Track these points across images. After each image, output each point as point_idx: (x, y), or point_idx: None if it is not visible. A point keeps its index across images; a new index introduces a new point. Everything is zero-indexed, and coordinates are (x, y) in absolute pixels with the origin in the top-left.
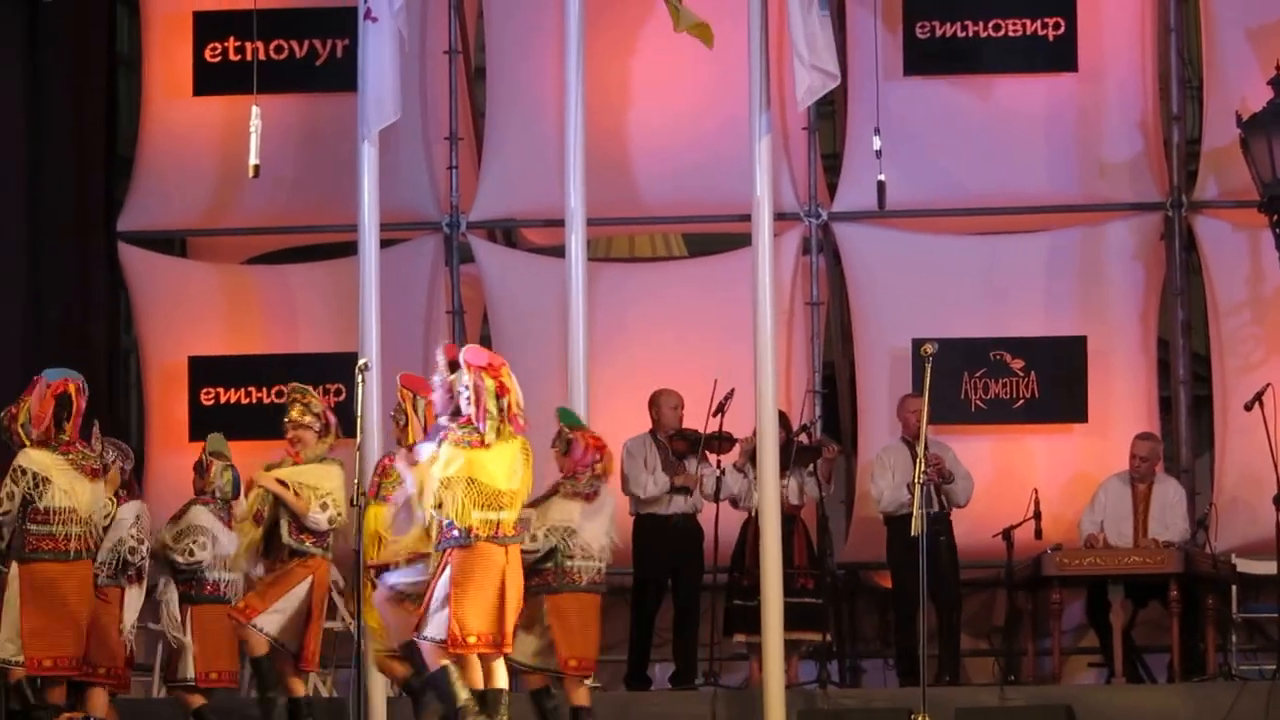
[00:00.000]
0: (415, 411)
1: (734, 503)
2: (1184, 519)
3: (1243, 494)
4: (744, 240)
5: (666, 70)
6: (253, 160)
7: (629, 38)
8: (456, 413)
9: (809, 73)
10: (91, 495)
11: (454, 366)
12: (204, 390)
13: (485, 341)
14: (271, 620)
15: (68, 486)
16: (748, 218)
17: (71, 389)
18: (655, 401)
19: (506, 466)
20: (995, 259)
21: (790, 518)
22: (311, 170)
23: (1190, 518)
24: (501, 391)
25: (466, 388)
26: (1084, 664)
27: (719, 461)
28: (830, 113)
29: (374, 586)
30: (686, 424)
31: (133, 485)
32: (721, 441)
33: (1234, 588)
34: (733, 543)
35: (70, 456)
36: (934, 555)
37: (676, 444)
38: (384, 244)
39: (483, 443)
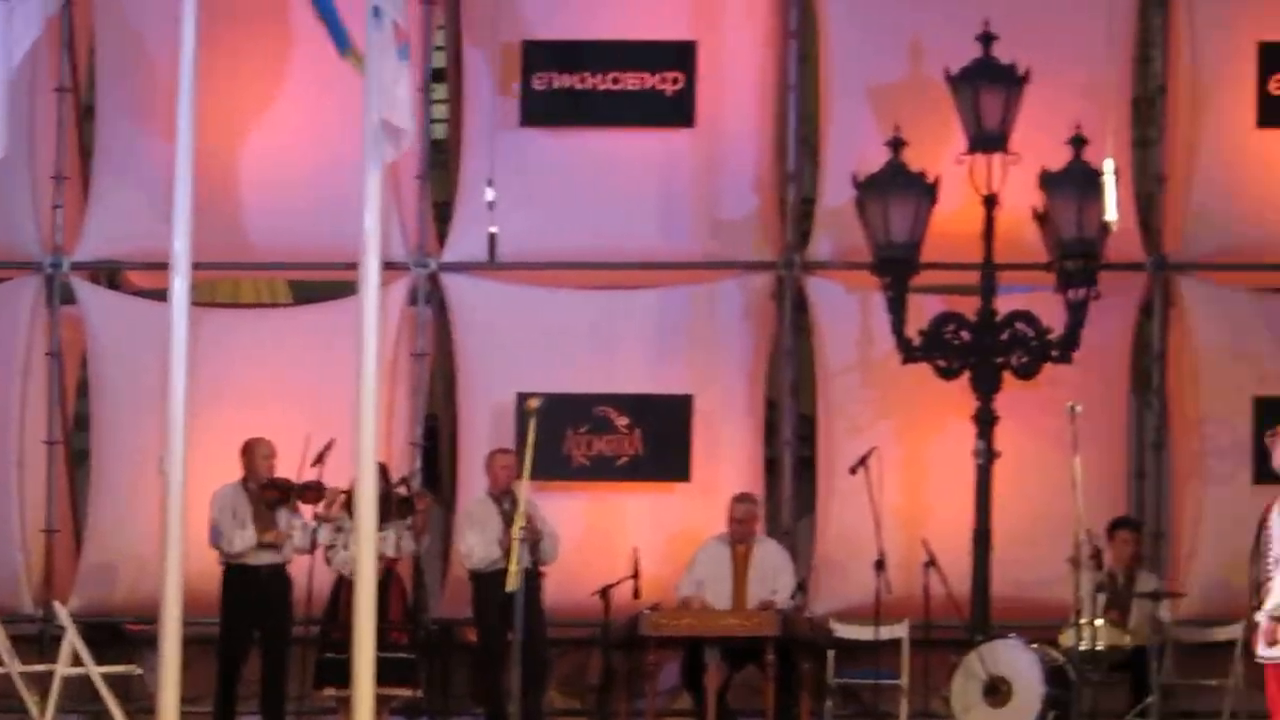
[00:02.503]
0: None
1: (327, 559)
2: (791, 580)
3: (843, 558)
4: (350, 289)
5: (279, 115)
6: None
7: (244, 82)
8: None
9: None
10: None
11: None
12: None
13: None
14: None
15: None
16: (355, 266)
17: None
18: (248, 450)
19: None
20: (605, 314)
21: (386, 571)
22: None
23: (795, 580)
24: None
25: None
26: None
27: (315, 513)
28: (443, 161)
29: None
30: (288, 474)
31: None
32: (314, 492)
33: (831, 653)
34: (325, 594)
35: None
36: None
37: (268, 493)
38: None
39: None
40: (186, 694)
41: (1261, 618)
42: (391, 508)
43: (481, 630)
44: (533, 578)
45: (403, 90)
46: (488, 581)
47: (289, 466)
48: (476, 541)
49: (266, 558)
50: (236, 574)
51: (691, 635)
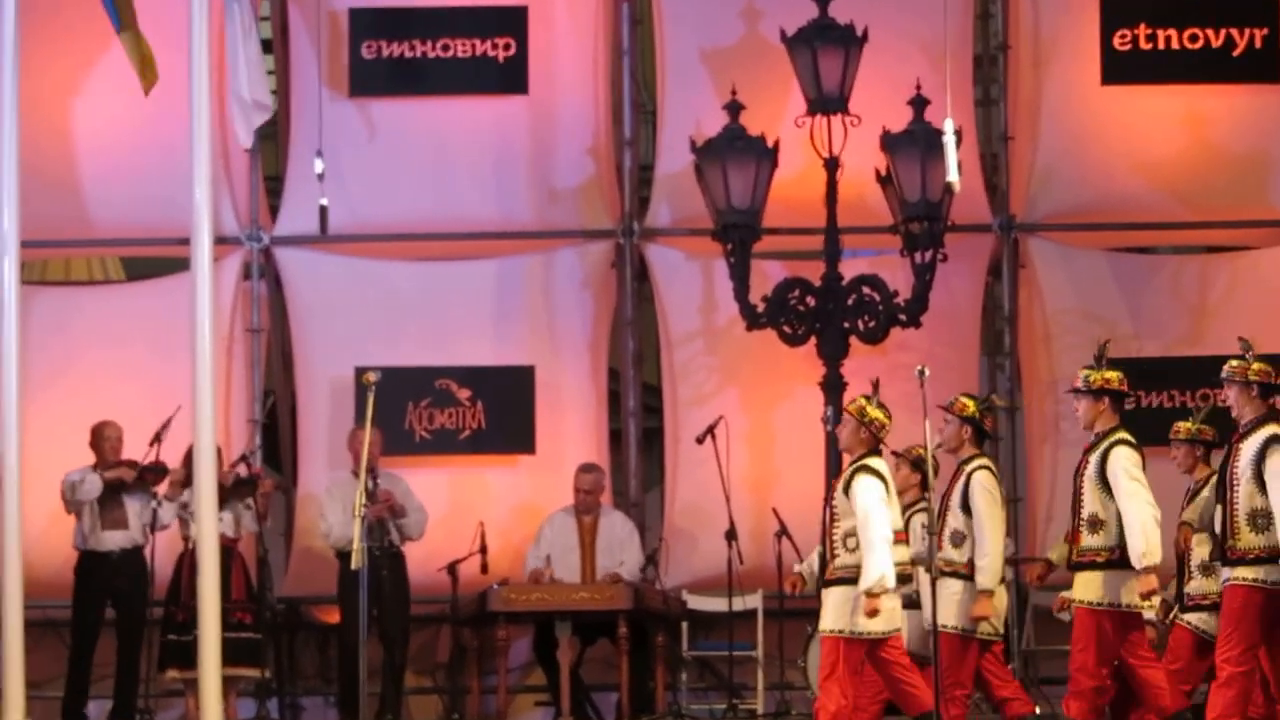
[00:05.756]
0: None
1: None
2: (638, 552)
3: (693, 529)
4: (184, 264)
5: (110, 89)
6: None
7: (74, 53)
8: None
9: (247, 109)
10: None
11: None
12: None
13: None
14: None
15: None
16: (187, 241)
17: None
18: (97, 434)
19: None
20: (441, 286)
21: (227, 550)
22: None
23: (642, 552)
24: None
25: None
26: (531, 702)
27: (158, 493)
28: (273, 134)
29: None
30: (132, 454)
31: None
32: (157, 473)
33: (684, 625)
34: (167, 576)
35: None
36: (381, 590)
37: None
38: None
39: None
40: (31, 678)
41: None
42: (230, 487)
43: (343, 608)
44: (389, 555)
45: (259, 65)
46: (348, 559)
47: (136, 447)
48: (336, 520)
49: (117, 541)
50: (87, 558)
51: (542, 610)
